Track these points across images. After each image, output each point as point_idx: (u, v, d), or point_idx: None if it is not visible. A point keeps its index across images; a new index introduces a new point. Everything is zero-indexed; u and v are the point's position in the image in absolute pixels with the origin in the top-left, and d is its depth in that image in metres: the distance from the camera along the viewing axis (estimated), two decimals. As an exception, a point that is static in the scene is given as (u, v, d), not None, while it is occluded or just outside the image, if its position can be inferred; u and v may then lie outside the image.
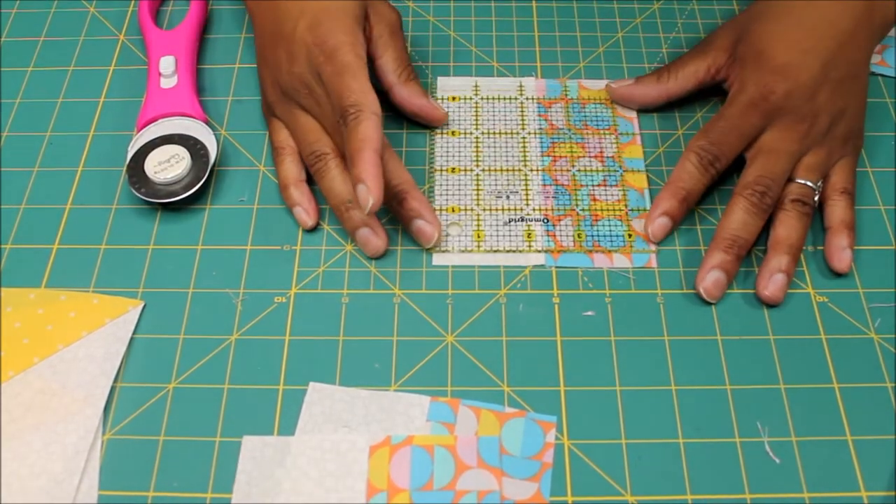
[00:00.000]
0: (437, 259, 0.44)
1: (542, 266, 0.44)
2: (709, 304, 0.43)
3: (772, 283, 0.42)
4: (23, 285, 0.44)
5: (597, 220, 0.46)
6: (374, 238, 0.44)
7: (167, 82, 0.50)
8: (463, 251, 0.45)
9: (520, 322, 0.42)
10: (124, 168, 0.47)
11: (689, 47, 0.53)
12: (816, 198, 0.45)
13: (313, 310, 0.43)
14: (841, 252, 0.44)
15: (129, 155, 0.47)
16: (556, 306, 0.43)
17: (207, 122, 0.49)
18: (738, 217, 0.43)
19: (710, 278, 0.43)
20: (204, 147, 0.47)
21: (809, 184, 0.44)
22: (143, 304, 0.43)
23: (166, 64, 0.50)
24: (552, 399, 0.40)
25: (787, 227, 0.44)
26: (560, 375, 0.41)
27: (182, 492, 0.37)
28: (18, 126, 0.50)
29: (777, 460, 0.38)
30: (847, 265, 0.44)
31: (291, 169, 0.46)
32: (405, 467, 0.38)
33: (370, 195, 0.40)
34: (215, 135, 0.49)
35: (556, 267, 0.44)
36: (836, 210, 0.45)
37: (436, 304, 0.43)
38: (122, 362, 0.41)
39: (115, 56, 0.54)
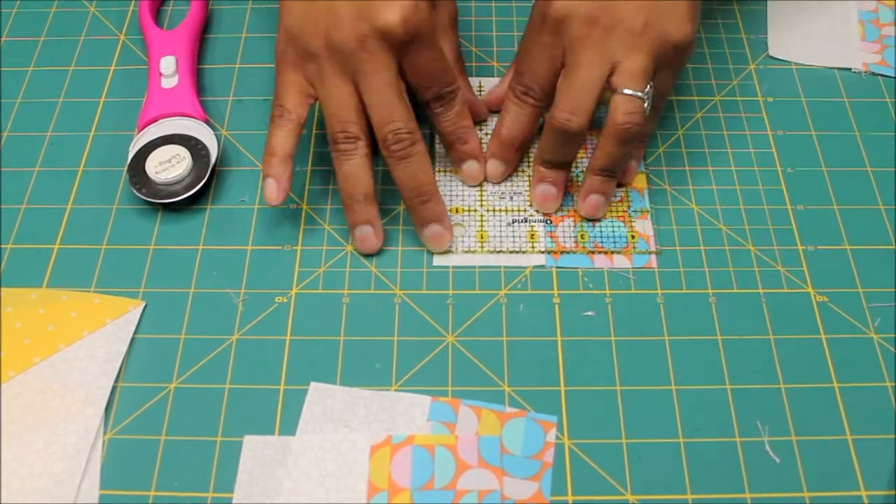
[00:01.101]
0: (439, 260, 0.44)
1: (542, 266, 0.44)
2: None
3: (587, 202, 0.45)
4: (24, 285, 0.44)
5: (598, 222, 0.46)
6: (373, 238, 0.44)
7: (168, 82, 0.50)
8: (467, 251, 0.45)
9: (520, 322, 0.42)
10: (125, 168, 0.47)
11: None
12: (646, 105, 0.42)
13: (314, 310, 0.43)
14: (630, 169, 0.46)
15: (130, 155, 0.47)
16: (557, 306, 0.43)
17: (208, 122, 0.49)
18: (546, 146, 0.44)
19: (538, 195, 0.45)
20: (205, 147, 0.47)
21: (634, 93, 0.41)
22: (144, 304, 0.43)
23: (167, 64, 0.50)
24: (553, 399, 0.40)
25: (605, 151, 0.43)
26: (560, 375, 0.41)
27: (183, 491, 0.38)
28: (19, 126, 0.50)
29: (777, 460, 0.38)
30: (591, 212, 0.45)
31: (288, 139, 0.43)
32: (406, 467, 0.38)
33: (481, 174, 0.46)
34: (216, 135, 0.49)
35: (557, 267, 0.44)
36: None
37: (436, 304, 0.43)
38: (123, 362, 0.41)
39: (116, 56, 0.54)
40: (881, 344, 0.42)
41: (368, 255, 0.45)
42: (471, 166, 0.46)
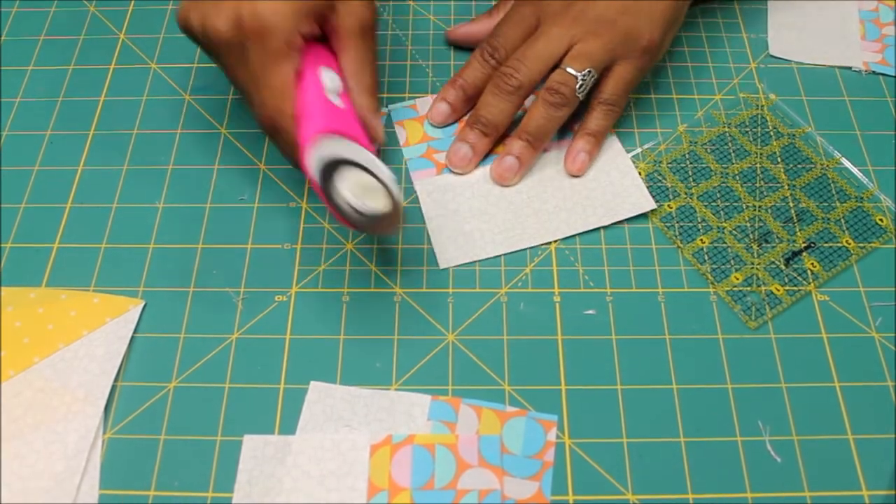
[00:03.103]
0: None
1: (545, 247, 0.44)
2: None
3: (502, 164, 0.46)
4: (23, 284, 0.44)
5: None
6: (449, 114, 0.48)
7: (333, 98, 0.42)
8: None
9: (521, 321, 0.42)
10: (318, 174, 0.39)
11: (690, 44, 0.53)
12: (579, 85, 0.45)
13: (314, 309, 0.43)
14: (576, 154, 0.46)
15: (317, 161, 0.38)
16: (557, 305, 0.43)
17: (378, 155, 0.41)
18: (485, 98, 0.46)
19: (454, 149, 0.46)
20: (385, 184, 0.39)
21: (571, 70, 0.45)
22: (143, 304, 0.43)
23: (330, 78, 0.43)
24: (553, 398, 0.40)
25: (530, 115, 0.46)
26: (561, 374, 0.41)
27: (183, 491, 0.37)
28: (18, 125, 0.50)
29: (778, 459, 0.38)
30: (580, 168, 0.46)
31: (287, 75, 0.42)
32: (406, 466, 0.38)
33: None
34: (217, 135, 0.49)
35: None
36: (590, 119, 0.46)
37: (437, 302, 0.43)
38: (122, 361, 0.41)
39: (116, 55, 0.54)
40: (882, 343, 0.42)
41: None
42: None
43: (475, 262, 0.44)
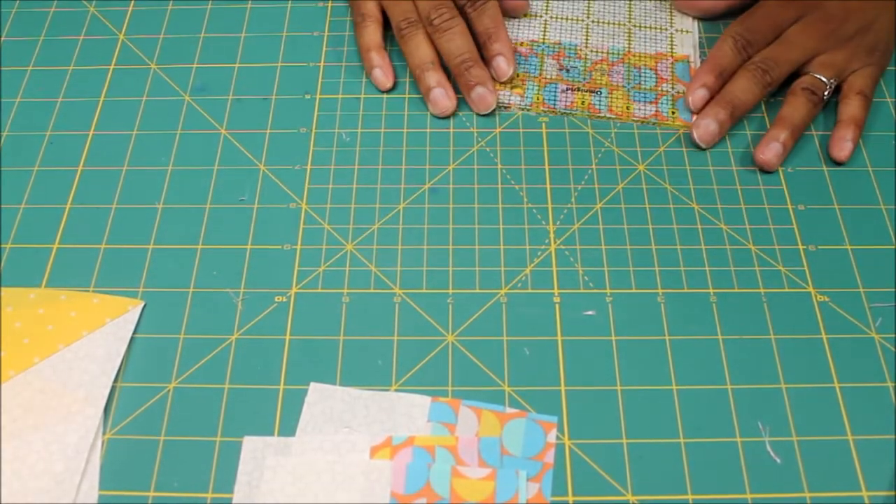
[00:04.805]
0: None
1: (544, 263, 0.44)
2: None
3: (769, 149, 0.47)
4: (23, 285, 0.44)
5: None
6: (445, 99, 0.49)
7: None
8: (523, 109, 0.50)
9: (520, 322, 0.42)
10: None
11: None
12: (826, 93, 0.49)
13: (314, 309, 0.43)
14: (843, 142, 0.48)
15: None
16: (557, 306, 0.43)
17: None
18: (739, 83, 0.49)
19: (703, 124, 0.48)
20: None
21: (822, 78, 0.49)
22: (143, 304, 0.43)
23: None
24: (553, 399, 0.40)
25: (793, 107, 0.48)
26: (561, 375, 0.41)
27: (182, 492, 0.37)
28: (18, 126, 0.50)
29: (778, 460, 0.38)
30: (846, 155, 0.48)
31: (376, 35, 0.51)
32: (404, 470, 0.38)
33: (510, 67, 0.50)
34: (217, 135, 0.49)
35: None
36: (848, 107, 0.49)
37: (436, 303, 0.43)
38: (122, 362, 0.41)
39: (115, 56, 0.54)
40: (882, 344, 0.42)
41: (446, 117, 0.50)
42: (499, 62, 0.50)
43: (475, 261, 0.44)
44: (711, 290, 0.43)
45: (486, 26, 0.50)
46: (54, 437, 0.38)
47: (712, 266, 0.44)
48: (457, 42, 0.50)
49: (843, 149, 0.48)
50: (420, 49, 0.50)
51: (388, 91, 0.51)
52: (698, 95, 0.50)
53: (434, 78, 0.50)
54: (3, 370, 0.40)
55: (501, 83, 0.51)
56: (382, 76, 0.51)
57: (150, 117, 0.50)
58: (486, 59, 0.51)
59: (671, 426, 0.39)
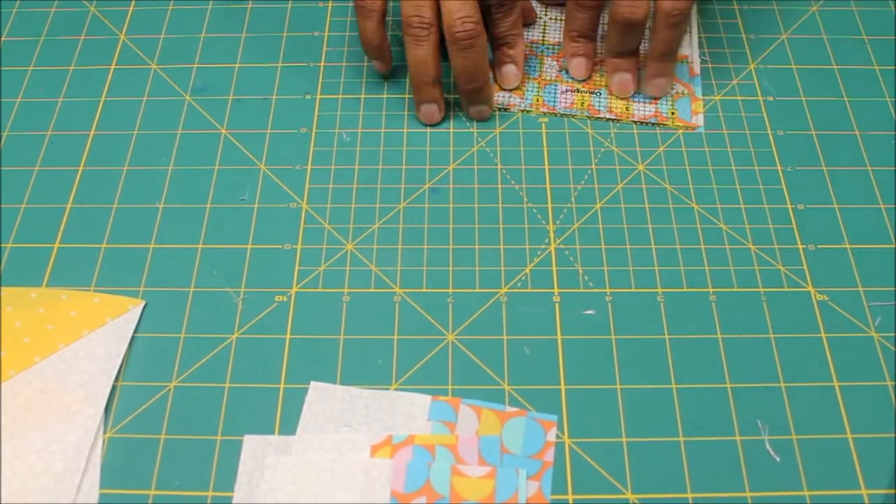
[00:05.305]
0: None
1: (543, 253, 0.44)
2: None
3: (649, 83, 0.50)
4: (23, 284, 0.44)
5: (656, 100, 0.51)
6: (437, 113, 0.49)
7: None
8: (522, 109, 0.50)
9: (520, 321, 0.42)
10: None
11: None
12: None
13: (314, 309, 0.43)
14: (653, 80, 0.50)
15: None
16: (557, 305, 0.43)
17: None
18: (574, 14, 0.50)
19: (574, 64, 0.51)
20: None
21: None
22: (143, 303, 0.43)
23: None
24: (553, 398, 0.40)
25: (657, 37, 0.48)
26: (561, 374, 0.41)
27: (183, 490, 0.38)
28: (19, 125, 0.50)
29: (777, 458, 0.38)
30: (660, 90, 0.50)
31: (380, 30, 0.49)
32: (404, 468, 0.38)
33: (518, 77, 0.50)
34: (217, 135, 0.49)
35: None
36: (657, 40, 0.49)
37: (436, 302, 0.43)
38: (123, 361, 0.41)
39: (116, 56, 0.54)
40: (881, 343, 0.42)
41: (433, 125, 0.50)
42: (509, 69, 0.50)
43: (475, 261, 0.44)
44: (711, 290, 0.43)
45: (507, 31, 0.50)
46: (54, 437, 0.38)
47: (712, 265, 0.44)
48: (475, 61, 0.47)
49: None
50: (428, 59, 0.47)
51: (387, 78, 0.52)
52: (575, 64, 0.51)
53: (433, 94, 0.49)
54: (3, 370, 0.40)
55: (504, 89, 0.51)
56: (382, 66, 0.51)
57: (150, 117, 0.51)
58: (496, 62, 0.50)
59: (671, 425, 0.39)
